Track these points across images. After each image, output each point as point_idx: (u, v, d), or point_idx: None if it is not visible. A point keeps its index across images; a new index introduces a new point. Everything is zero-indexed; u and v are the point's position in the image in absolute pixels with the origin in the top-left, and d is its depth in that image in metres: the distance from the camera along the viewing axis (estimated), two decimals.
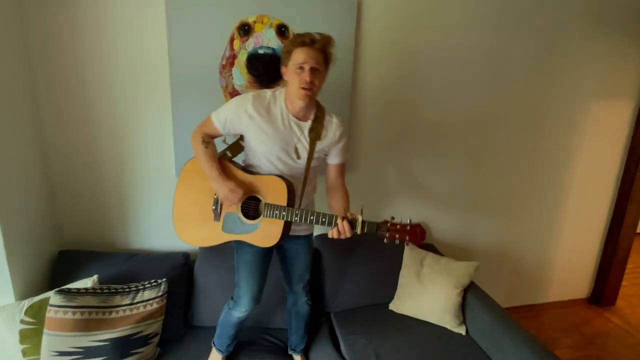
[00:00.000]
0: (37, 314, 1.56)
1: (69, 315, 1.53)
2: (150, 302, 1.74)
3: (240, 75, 1.97)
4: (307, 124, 1.52)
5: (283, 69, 1.50)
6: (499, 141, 2.50)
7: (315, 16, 1.98)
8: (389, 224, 1.42)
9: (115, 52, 1.84)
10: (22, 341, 1.54)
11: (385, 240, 1.42)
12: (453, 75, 2.27)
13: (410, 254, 2.22)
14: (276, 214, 1.47)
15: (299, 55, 1.41)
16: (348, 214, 1.42)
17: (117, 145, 1.96)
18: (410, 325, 2.03)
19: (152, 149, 2.00)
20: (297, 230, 1.66)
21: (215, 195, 1.55)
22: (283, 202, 1.48)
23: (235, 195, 1.48)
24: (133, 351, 1.63)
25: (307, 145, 1.52)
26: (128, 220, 2.07)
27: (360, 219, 1.40)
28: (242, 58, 1.95)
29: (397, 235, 1.41)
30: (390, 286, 2.19)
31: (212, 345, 1.78)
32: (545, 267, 2.87)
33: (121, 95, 1.90)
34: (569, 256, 2.90)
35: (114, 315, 1.63)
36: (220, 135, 1.56)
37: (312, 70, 1.41)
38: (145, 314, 1.71)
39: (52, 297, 1.52)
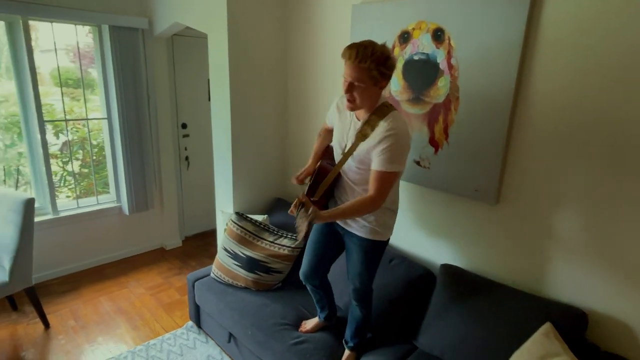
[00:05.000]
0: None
1: (235, 229, 2.41)
2: (284, 248, 2.34)
3: (396, 81, 2.07)
4: (360, 123, 1.59)
5: None
6: None
7: (474, 16, 1.74)
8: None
9: (325, 54, 2.48)
10: (224, 233, 2.60)
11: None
12: None
13: (541, 340, 1.54)
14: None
15: (344, 68, 1.49)
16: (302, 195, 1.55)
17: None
18: None
19: None
20: (350, 225, 1.72)
21: None
22: (309, 182, 1.72)
23: (296, 173, 1.87)
24: (257, 272, 2.31)
25: (350, 143, 1.60)
26: None
27: (298, 200, 1.51)
28: (399, 65, 2.05)
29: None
30: None
31: None
32: None
33: (321, 89, 2.53)
34: None
35: (258, 242, 2.37)
36: (331, 129, 1.84)
37: (350, 85, 1.46)
38: (277, 254, 2.33)
39: (232, 215, 2.45)
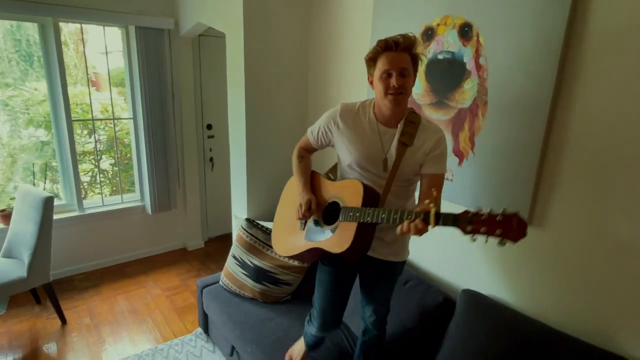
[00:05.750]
0: None
1: (245, 236, 2.31)
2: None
3: (418, 82, 1.87)
4: (398, 129, 1.41)
5: (369, 79, 1.43)
6: None
7: (506, 9, 1.51)
8: (470, 215, 1.11)
9: (345, 52, 2.33)
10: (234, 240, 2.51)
11: (468, 235, 1.13)
12: None
13: None
14: (350, 216, 1.37)
15: (385, 61, 1.34)
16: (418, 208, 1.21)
17: None
18: None
19: None
20: (379, 252, 1.51)
21: None
22: (359, 204, 1.36)
23: (305, 208, 1.48)
24: (264, 282, 2.19)
25: (395, 153, 1.40)
26: None
27: (432, 210, 1.15)
28: (421, 65, 1.84)
29: (482, 229, 1.09)
30: None
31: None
32: None
33: (343, 86, 2.38)
34: None
35: (267, 252, 2.25)
36: (314, 149, 1.63)
37: (401, 73, 1.32)
38: (286, 265, 2.20)
39: (243, 221, 2.35)
